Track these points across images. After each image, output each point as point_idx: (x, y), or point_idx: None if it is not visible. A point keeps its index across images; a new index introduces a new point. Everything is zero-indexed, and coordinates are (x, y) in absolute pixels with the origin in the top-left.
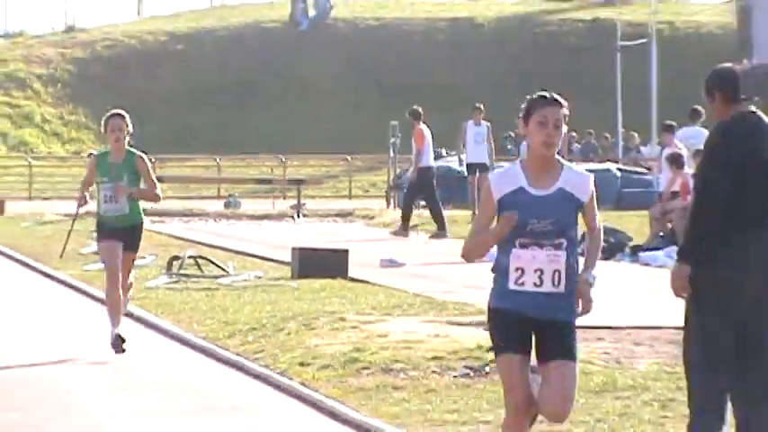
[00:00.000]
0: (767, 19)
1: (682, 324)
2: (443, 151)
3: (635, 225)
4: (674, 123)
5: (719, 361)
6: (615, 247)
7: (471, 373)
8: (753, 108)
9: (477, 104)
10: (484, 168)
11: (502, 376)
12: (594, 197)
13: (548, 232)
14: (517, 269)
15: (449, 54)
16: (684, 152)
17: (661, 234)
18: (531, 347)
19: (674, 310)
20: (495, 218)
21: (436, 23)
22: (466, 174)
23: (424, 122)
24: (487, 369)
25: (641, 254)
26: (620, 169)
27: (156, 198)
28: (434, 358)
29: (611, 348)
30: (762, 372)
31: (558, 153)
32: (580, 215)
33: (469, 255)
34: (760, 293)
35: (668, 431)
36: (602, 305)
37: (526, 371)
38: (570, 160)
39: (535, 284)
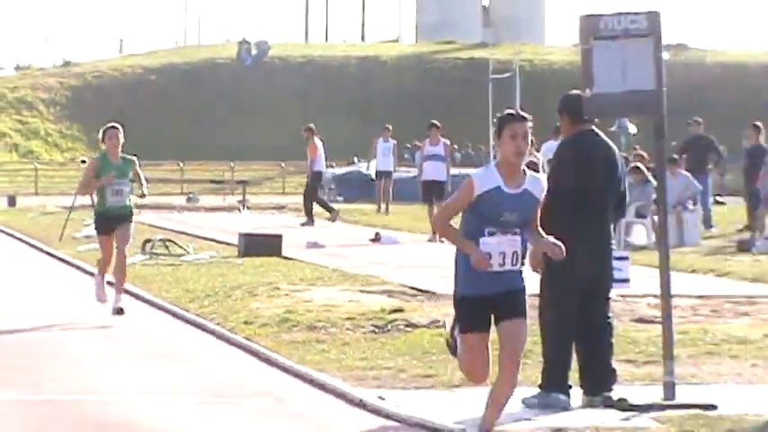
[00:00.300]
0: (603, 58)
1: (537, 292)
2: (356, 159)
3: None
4: (533, 138)
5: (567, 320)
6: None
7: (376, 330)
8: (593, 127)
9: (387, 125)
10: (389, 175)
11: (465, 350)
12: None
13: (512, 222)
14: (485, 254)
15: (359, 84)
16: (541, 160)
17: None
18: (490, 325)
19: (531, 283)
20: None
21: (349, 60)
22: (373, 178)
23: (316, 136)
24: (389, 327)
25: None
26: None
27: (144, 195)
28: (348, 318)
29: None
30: (596, 330)
31: (443, 160)
32: None
33: (441, 233)
34: (599, 271)
35: (528, 375)
36: None
37: (486, 346)
38: (453, 166)
39: (500, 264)
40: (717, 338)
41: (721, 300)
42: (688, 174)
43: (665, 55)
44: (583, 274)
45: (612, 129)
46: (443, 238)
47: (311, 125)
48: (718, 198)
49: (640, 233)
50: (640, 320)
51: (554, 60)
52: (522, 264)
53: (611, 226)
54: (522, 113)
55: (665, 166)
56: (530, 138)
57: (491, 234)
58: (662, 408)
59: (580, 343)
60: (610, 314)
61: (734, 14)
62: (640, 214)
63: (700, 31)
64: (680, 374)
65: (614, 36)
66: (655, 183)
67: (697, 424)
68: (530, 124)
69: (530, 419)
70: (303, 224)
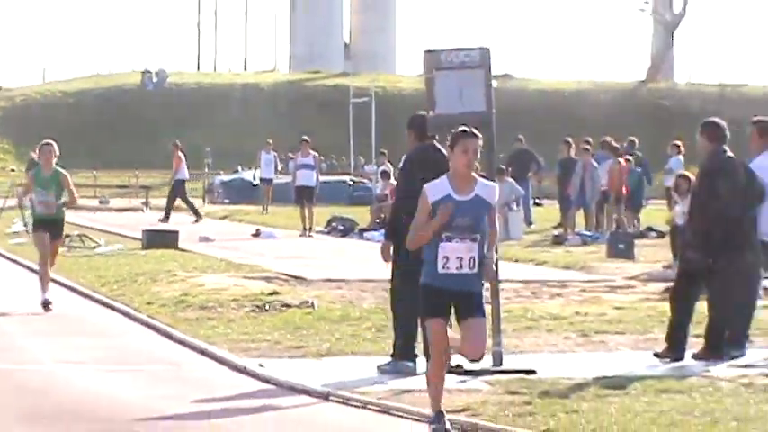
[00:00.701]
0: (443, 85)
1: (389, 278)
2: (239, 168)
3: (361, 215)
4: (385, 151)
5: (414, 302)
6: (348, 229)
7: (257, 309)
8: (435, 142)
9: (269, 140)
10: (270, 182)
11: (430, 333)
12: (495, 207)
13: (467, 227)
14: (444, 257)
15: (242, 107)
16: (391, 170)
17: (377, 221)
18: (449, 314)
19: (383, 270)
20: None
21: (234, 87)
22: (256, 184)
23: (181, 151)
24: (267, 307)
25: (365, 233)
26: (352, 180)
27: (75, 203)
28: (233, 300)
29: (346, 293)
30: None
31: (312, 169)
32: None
33: (415, 245)
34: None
35: (382, 346)
36: (340, 267)
37: (446, 329)
38: (321, 174)
39: (457, 268)
40: (536, 315)
41: (539, 284)
42: (513, 180)
43: (494, 83)
44: (421, 263)
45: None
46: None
47: (177, 141)
48: (536, 201)
49: None
50: None
51: (403, 87)
52: (479, 267)
53: None
54: (473, 131)
55: (494, 174)
56: (478, 153)
57: (449, 239)
58: (491, 373)
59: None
60: None
61: (550, 49)
62: None
63: (523, 62)
64: (506, 345)
65: (452, 67)
66: None
67: (519, 385)
68: (479, 142)
69: (384, 383)
70: (161, 220)
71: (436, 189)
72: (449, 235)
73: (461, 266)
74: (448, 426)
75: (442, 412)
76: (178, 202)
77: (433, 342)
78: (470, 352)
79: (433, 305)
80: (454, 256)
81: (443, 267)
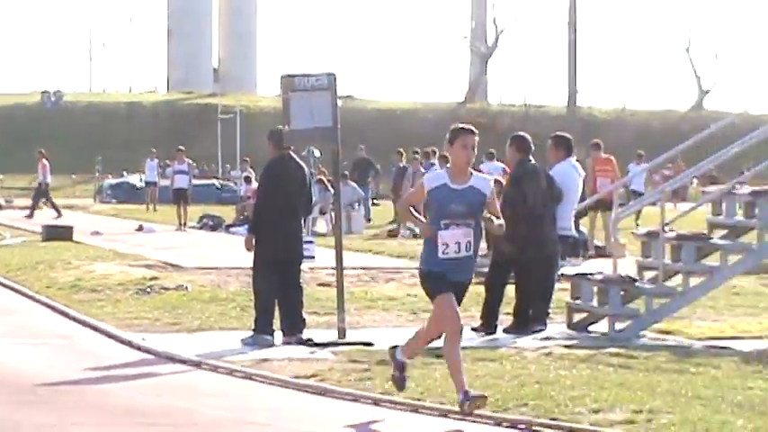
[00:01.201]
0: (297, 104)
1: (251, 265)
2: (125, 173)
3: (228, 213)
4: (247, 159)
5: (271, 284)
6: (217, 224)
7: (139, 292)
8: (290, 152)
9: (153, 149)
10: (155, 184)
11: (440, 308)
12: (495, 196)
13: (462, 214)
14: (444, 244)
15: (127, 122)
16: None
17: (241, 218)
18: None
19: (246, 259)
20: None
21: (120, 105)
22: (140, 186)
23: (45, 158)
24: (148, 290)
25: (231, 228)
26: (220, 183)
27: None
28: (120, 284)
29: (215, 279)
30: (293, 290)
31: (187, 174)
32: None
33: (402, 214)
34: (294, 249)
35: (245, 322)
36: (210, 256)
37: (453, 301)
38: (194, 178)
39: (455, 252)
40: (374, 297)
41: (377, 270)
42: (354, 184)
43: (339, 103)
44: (278, 254)
45: (304, 153)
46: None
47: (41, 150)
48: (374, 201)
49: (322, 225)
50: (322, 284)
51: (263, 105)
52: (475, 250)
53: (302, 219)
54: (471, 128)
55: (339, 178)
56: (476, 148)
57: (446, 227)
58: (336, 344)
59: (281, 299)
60: (301, 280)
61: (385, 74)
62: (322, 211)
63: (363, 85)
64: (349, 322)
65: (305, 89)
66: (332, 190)
67: (360, 355)
68: (476, 138)
69: (246, 353)
70: (26, 216)
71: (434, 178)
72: (446, 222)
73: (459, 250)
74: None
75: (467, 391)
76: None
77: (445, 317)
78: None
79: (437, 285)
80: (453, 241)
81: (443, 253)
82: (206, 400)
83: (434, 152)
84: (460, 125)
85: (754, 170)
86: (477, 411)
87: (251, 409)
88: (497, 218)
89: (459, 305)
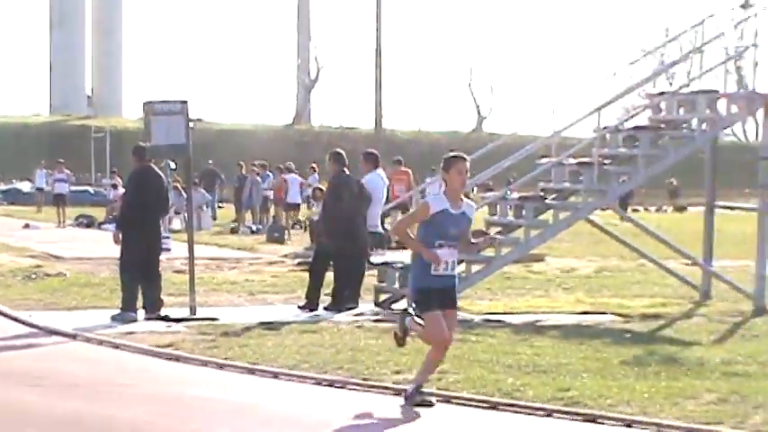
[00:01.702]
0: (157, 125)
1: (118, 256)
2: (14, 180)
3: (99, 213)
4: (116, 170)
5: (135, 271)
6: (90, 222)
7: (27, 278)
8: (151, 164)
9: (42, 161)
10: (42, 191)
11: (431, 325)
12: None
13: (455, 236)
14: (435, 252)
15: (16, 139)
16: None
17: (110, 217)
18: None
19: (114, 251)
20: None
21: (8, 126)
22: (27, 192)
23: None
24: (34, 276)
25: (102, 226)
26: (93, 189)
27: None
28: (10, 271)
29: (89, 267)
30: (152, 276)
31: (66, 182)
32: None
33: (400, 237)
34: (153, 243)
35: (114, 302)
36: (85, 249)
37: (442, 317)
38: (73, 184)
39: (444, 269)
40: (219, 281)
41: (221, 260)
42: (204, 190)
43: (191, 124)
44: (140, 246)
45: (162, 165)
46: (397, 240)
47: None
48: (220, 204)
49: (177, 223)
50: (177, 271)
51: (129, 126)
52: (455, 270)
53: (160, 218)
54: (463, 155)
55: (190, 185)
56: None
57: (440, 246)
58: (188, 320)
59: (143, 283)
60: (159, 268)
61: (229, 99)
62: (177, 212)
63: (211, 109)
64: (198, 302)
65: (162, 113)
66: (185, 195)
67: (207, 329)
68: (468, 164)
69: (114, 327)
70: None
71: (438, 202)
72: (440, 243)
73: (447, 268)
74: (424, 398)
75: (421, 386)
76: None
77: (435, 332)
78: (448, 340)
79: (429, 303)
80: (443, 260)
81: (434, 270)
82: (82, 365)
83: (266, 165)
84: (454, 153)
85: (520, 181)
86: (313, 376)
87: (119, 371)
88: (468, 241)
89: (455, 307)
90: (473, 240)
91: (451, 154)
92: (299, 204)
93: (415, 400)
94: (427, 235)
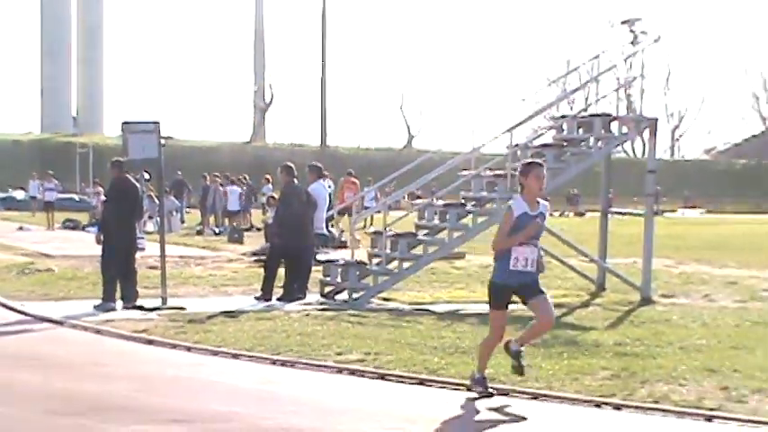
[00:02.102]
0: (133, 141)
1: (100, 254)
2: (10, 189)
3: (84, 217)
4: (98, 180)
5: (112, 267)
6: (76, 225)
7: (21, 273)
8: (128, 175)
9: (34, 173)
10: (35, 198)
11: (495, 320)
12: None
13: (534, 236)
14: (515, 258)
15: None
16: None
17: (93, 220)
18: (509, 305)
19: (96, 250)
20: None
21: (5, 142)
22: (21, 199)
23: None
24: (27, 271)
25: (86, 228)
26: (79, 197)
27: None
28: (5, 267)
29: (75, 263)
30: (127, 271)
31: (54, 190)
32: None
33: (499, 248)
34: (129, 243)
35: (97, 293)
36: (71, 248)
37: (505, 318)
38: (60, 193)
39: (522, 266)
40: (187, 276)
41: (189, 258)
42: (174, 198)
43: (162, 141)
44: (119, 245)
45: (137, 176)
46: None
47: None
48: (187, 209)
49: (150, 226)
50: (151, 267)
51: (109, 143)
52: (536, 266)
53: (136, 222)
54: (540, 162)
55: (162, 194)
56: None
57: (521, 244)
58: (160, 309)
59: (121, 277)
60: (135, 264)
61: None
62: (150, 217)
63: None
64: (169, 293)
65: (138, 132)
66: (157, 201)
67: (177, 317)
68: (545, 170)
69: (96, 315)
70: None
71: (519, 206)
72: (522, 242)
73: (526, 265)
74: (488, 387)
75: (485, 377)
76: None
77: (496, 327)
78: (547, 321)
79: (501, 299)
80: (522, 256)
81: (513, 265)
82: (68, 348)
83: (227, 176)
84: (531, 159)
85: (445, 190)
86: (268, 356)
87: (101, 353)
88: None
89: (534, 295)
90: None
91: (529, 160)
92: (238, 211)
93: (482, 387)
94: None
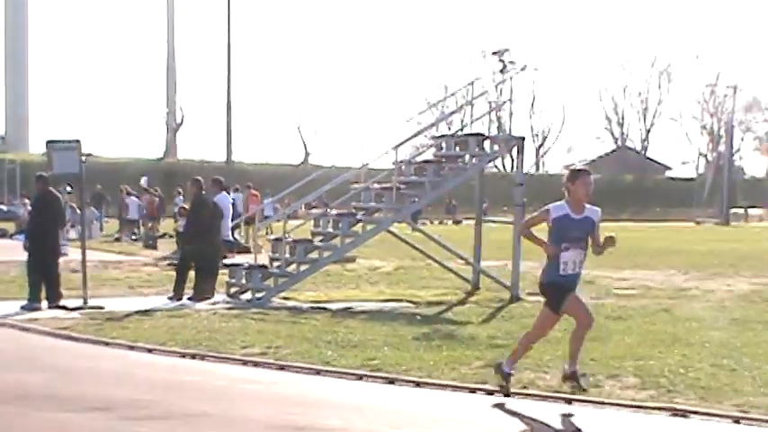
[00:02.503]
0: (57, 157)
1: (26, 259)
2: None
3: (13, 226)
4: (25, 193)
5: (40, 269)
6: (4, 234)
7: None
8: (51, 189)
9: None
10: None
11: (546, 319)
12: (599, 224)
13: (578, 239)
14: (564, 263)
15: None
16: (28, 202)
17: (20, 229)
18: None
19: (23, 255)
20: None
21: None
22: None
23: None
24: None
25: (14, 236)
26: (6, 208)
27: None
28: None
29: (2, 268)
30: (54, 272)
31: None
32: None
33: (523, 236)
34: (53, 247)
35: (24, 295)
36: (1, 254)
37: (556, 319)
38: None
39: (572, 270)
40: (105, 278)
41: (109, 263)
42: (94, 209)
43: (83, 158)
44: (44, 251)
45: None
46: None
47: None
48: (105, 219)
49: (72, 233)
50: (73, 271)
51: (35, 159)
52: (582, 268)
53: (59, 229)
54: (587, 169)
55: (83, 204)
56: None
57: (566, 249)
58: (81, 308)
59: (45, 280)
60: (59, 268)
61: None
62: (72, 225)
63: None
64: (89, 294)
65: (61, 149)
66: (79, 211)
67: (96, 315)
68: (592, 177)
69: (23, 314)
70: None
71: (558, 209)
72: (566, 245)
73: (575, 268)
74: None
75: (511, 374)
76: None
77: (544, 326)
78: (588, 322)
79: (557, 302)
80: (570, 260)
81: (563, 270)
82: None
83: (142, 188)
84: (580, 167)
85: (338, 201)
86: (179, 350)
87: (27, 348)
88: (598, 243)
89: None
90: (600, 243)
91: (578, 167)
92: (136, 220)
93: (502, 384)
94: (554, 239)
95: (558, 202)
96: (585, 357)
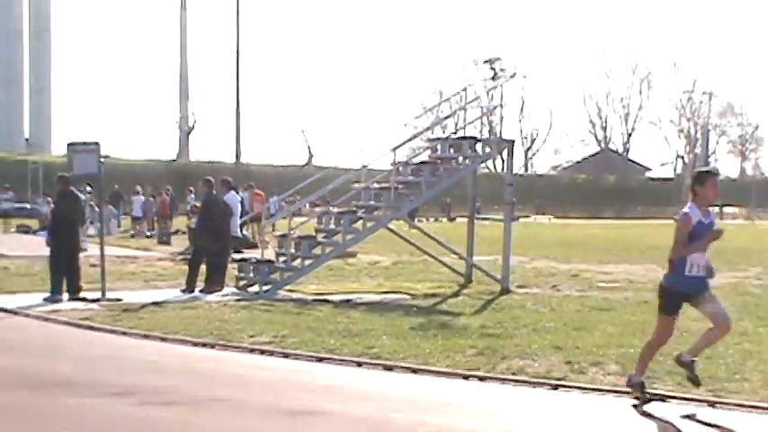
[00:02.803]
0: (78, 159)
1: (49, 254)
2: None
3: (34, 224)
4: (48, 192)
5: (59, 263)
6: (28, 230)
7: None
8: (73, 189)
9: (6, 185)
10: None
11: (663, 325)
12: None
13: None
14: (691, 264)
15: None
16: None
17: (43, 226)
18: (680, 312)
19: (46, 250)
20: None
21: None
22: None
23: None
24: None
25: (38, 233)
26: (31, 206)
27: None
28: None
29: (27, 263)
30: (72, 266)
31: (9, 201)
32: None
33: (678, 255)
34: (75, 245)
35: (46, 287)
36: (24, 249)
37: (674, 323)
38: (14, 203)
39: (697, 271)
40: (122, 272)
41: (125, 257)
42: (111, 206)
43: (102, 159)
44: (66, 247)
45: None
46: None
47: None
48: (123, 216)
49: (92, 230)
50: (92, 265)
51: (57, 161)
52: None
53: (80, 226)
54: (715, 171)
55: (102, 203)
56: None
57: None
58: (100, 300)
59: (67, 273)
60: (79, 262)
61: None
62: (92, 222)
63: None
64: (108, 287)
65: (81, 151)
66: (98, 209)
67: (114, 306)
68: (719, 178)
69: (46, 306)
70: None
71: (694, 213)
72: (700, 250)
73: (699, 270)
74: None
75: (643, 382)
76: None
77: (663, 332)
78: (726, 327)
79: (673, 306)
80: (697, 262)
81: (689, 271)
82: (22, 333)
83: (150, 189)
84: (707, 169)
85: (340, 200)
86: (191, 339)
87: (50, 338)
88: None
89: (715, 300)
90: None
91: (705, 169)
92: (140, 217)
93: (639, 391)
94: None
95: (690, 206)
96: (571, 345)
